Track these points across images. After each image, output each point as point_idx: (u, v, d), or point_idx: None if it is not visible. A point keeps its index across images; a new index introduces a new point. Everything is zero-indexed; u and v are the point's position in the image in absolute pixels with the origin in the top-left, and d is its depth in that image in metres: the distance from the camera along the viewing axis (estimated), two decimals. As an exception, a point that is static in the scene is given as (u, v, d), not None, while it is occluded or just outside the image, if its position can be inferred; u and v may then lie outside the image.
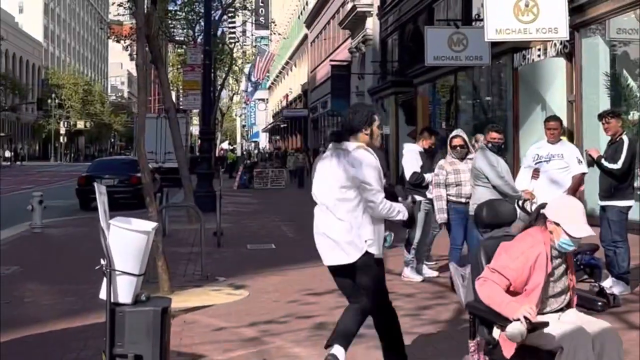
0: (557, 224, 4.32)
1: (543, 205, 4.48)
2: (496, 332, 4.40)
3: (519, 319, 4.07)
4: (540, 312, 4.35)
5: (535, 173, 8.80)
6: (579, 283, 8.26)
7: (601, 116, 8.98)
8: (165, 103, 18.49)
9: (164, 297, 5.41)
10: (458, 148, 8.81)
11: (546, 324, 4.17)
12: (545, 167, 8.91)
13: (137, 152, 10.11)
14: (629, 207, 8.62)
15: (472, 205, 8.22)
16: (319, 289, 8.98)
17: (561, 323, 4.38)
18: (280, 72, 78.67)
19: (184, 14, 37.68)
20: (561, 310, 4.53)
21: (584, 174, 8.97)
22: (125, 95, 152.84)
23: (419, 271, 9.54)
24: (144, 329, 4.57)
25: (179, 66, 48.82)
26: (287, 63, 71.00)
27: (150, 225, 4.83)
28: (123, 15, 37.01)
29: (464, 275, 4.80)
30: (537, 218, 4.45)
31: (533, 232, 4.44)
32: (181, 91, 42.69)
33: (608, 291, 7.96)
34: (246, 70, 63.18)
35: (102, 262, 4.59)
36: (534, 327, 4.09)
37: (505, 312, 4.17)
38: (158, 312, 4.62)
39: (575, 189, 8.98)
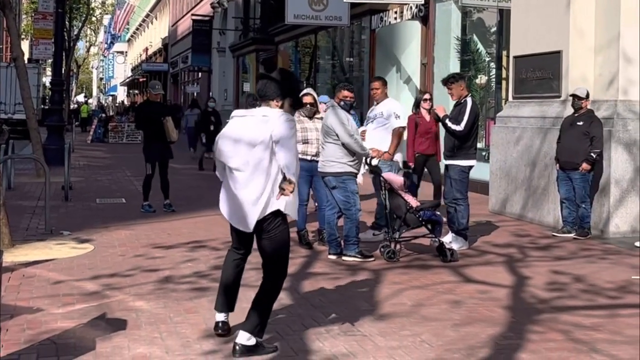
0: None
1: None
2: None
3: None
4: None
5: (362, 134, 9.03)
6: (420, 238, 8.61)
7: (444, 82, 9.26)
8: (14, 51, 17.70)
9: (-5, 249, 5.20)
10: (308, 106, 8.85)
11: None
12: (371, 127, 9.41)
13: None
14: (471, 167, 8.97)
15: (322, 162, 8.31)
16: (166, 243, 8.90)
17: None
18: (140, 25, 76.45)
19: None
20: None
21: (402, 127, 9.45)
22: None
23: None
24: (-28, 282, 4.39)
25: (33, 14, 46.60)
26: (147, 16, 69.09)
27: (-20, 174, 4.62)
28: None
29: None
30: None
31: None
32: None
33: (447, 246, 8.37)
34: (105, 21, 61.17)
35: None
36: None
37: None
38: (-13, 264, 4.44)
39: (397, 144, 9.34)
